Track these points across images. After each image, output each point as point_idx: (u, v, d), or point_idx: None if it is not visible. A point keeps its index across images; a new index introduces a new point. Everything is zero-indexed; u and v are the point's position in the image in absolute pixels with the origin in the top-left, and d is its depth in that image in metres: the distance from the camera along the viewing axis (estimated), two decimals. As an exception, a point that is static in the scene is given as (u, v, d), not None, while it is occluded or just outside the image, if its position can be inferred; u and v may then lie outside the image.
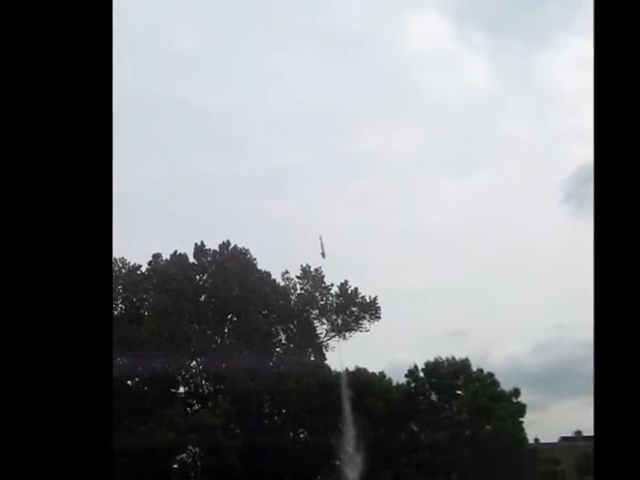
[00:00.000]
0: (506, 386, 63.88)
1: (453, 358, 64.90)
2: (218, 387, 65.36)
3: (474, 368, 64.68)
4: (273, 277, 69.06)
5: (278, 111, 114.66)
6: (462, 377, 64.39)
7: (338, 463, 61.90)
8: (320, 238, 61.02)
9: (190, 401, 65.78)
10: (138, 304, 67.17)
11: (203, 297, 67.41)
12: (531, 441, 66.39)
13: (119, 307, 66.20)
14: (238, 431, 60.78)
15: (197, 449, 61.72)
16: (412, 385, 65.22)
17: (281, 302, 67.80)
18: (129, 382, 63.13)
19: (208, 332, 65.89)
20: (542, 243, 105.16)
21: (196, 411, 62.97)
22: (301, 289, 69.63)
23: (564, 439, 79.16)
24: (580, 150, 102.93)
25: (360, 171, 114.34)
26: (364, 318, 68.75)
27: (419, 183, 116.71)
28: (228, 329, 67.26)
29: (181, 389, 66.49)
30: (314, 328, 69.29)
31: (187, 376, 66.34)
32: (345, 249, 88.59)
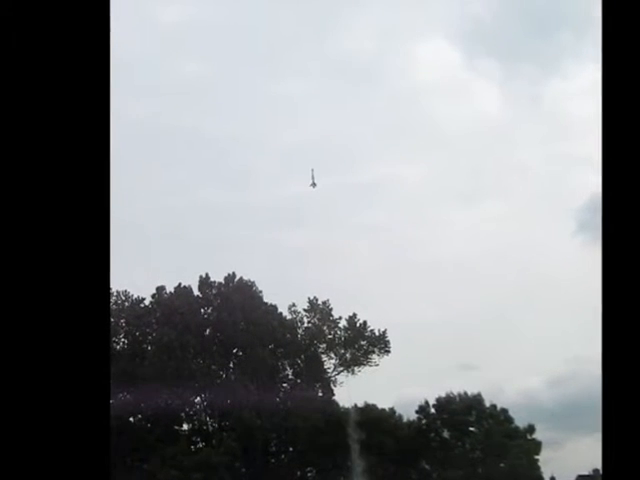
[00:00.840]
0: (520, 422, 63.37)
1: (465, 393, 64.48)
2: (223, 424, 64.96)
3: (487, 403, 64.24)
4: (280, 310, 68.96)
5: (286, 140, 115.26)
6: (475, 413, 63.90)
7: (347, 503, 61.29)
8: (312, 170, 63.07)
9: (194, 439, 65.37)
10: (141, 338, 67.03)
11: (208, 331, 67.21)
12: (547, 480, 65.62)
13: (121, 341, 66.07)
14: (244, 470, 60.28)
15: (201, 488, 61.15)
16: (423, 421, 64.73)
17: (288, 336, 67.56)
18: (131, 419, 62.78)
19: (213, 367, 65.71)
20: (556, 273, 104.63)
21: (200, 449, 62.54)
22: (308, 322, 69.37)
23: (581, 477, 78.09)
24: (593, 178, 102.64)
25: (369, 201, 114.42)
26: (373, 352, 68.41)
27: (430, 213, 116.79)
28: (233, 364, 67.01)
29: (185, 426, 66.10)
30: (322, 363, 68.95)
31: (191, 412, 66.00)
32: (353, 281, 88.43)
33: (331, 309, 69.16)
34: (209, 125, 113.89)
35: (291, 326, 68.62)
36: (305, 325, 69.32)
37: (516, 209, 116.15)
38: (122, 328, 65.74)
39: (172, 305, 65.93)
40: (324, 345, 68.94)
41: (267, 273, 79.39)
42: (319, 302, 69.13)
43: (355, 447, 59.89)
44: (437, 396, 64.74)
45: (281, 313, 68.93)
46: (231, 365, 67.09)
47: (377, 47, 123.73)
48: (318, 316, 69.17)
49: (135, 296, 67.59)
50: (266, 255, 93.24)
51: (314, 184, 62.96)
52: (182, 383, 61.77)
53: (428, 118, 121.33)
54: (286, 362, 67.96)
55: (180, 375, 61.99)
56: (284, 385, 67.27)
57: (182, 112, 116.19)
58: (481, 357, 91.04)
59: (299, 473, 64.79)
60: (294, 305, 69.37)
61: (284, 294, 70.46)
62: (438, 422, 64.17)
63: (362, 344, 68.50)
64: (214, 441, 62.89)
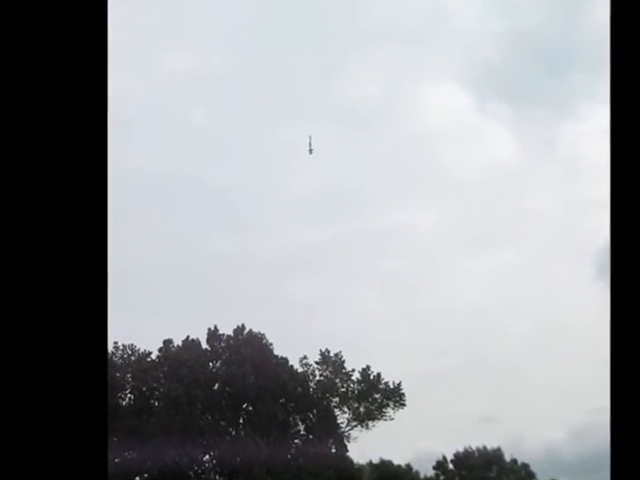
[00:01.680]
0: (542, 477, 62.40)
1: (484, 447, 63.75)
2: (233, 482, 64.30)
3: (507, 458, 63.45)
4: (291, 363, 68.77)
5: (296, 187, 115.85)
6: (495, 468, 63.07)
7: None
8: (310, 137, 65.81)
9: (203, 498, 64.70)
10: (148, 393, 66.78)
11: (217, 385, 67.00)
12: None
13: (128, 397, 65.93)
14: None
15: None
16: (441, 478, 63.94)
17: (299, 390, 67.20)
18: (137, 478, 62.27)
19: (222, 423, 65.27)
20: (576, 320, 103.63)
21: (210, 509, 61.82)
22: (320, 375, 69.12)
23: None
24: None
25: (380, 249, 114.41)
26: (388, 405, 68.02)
27: (444, 260, 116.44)
28: (243, 419, 66.58)
29: (194, 485, 65.45)
30: (335, 417, 68.44)
31: (199, 471, 65.34)
32: (366, 331, 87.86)
33: (343, 361, 68.94)
34: (215, 174, 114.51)
35: (302, 379, 68.31)
36: (317, 378, 69.09)
37: (531, 255, 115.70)
38: (128, 383, 65.61)
39: (180, 359, 65.81)
40: (337, 399, 68.56)
41: (277, 325, 79.12)
42: (331, 354, 68.96)
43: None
44: (455, 451, 64.13)
45: (292, 366, 68.73)
46: (241, 420, 66.63)
47: (385, 91, 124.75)
48: (330, 369, 68.93)
49: (142, 350, 67.66)
50: (276, 306, 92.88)
51: (311, 150, 65.77)
52: (190, 440, 61.30)
53: (439, 163, 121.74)
54: (297, 417, 67.46)
55: (188, 432, 61.52)
56: (296, 441, 66.65)
57: (189, 161, 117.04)
58: (499, 408, 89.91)
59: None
60: (305, 357, 69.33)
61: (295, 346, 70.24)
62: (457, 478, 63.29)
63: (376, 397, 68.14)
64: (224, 501, 62.21)
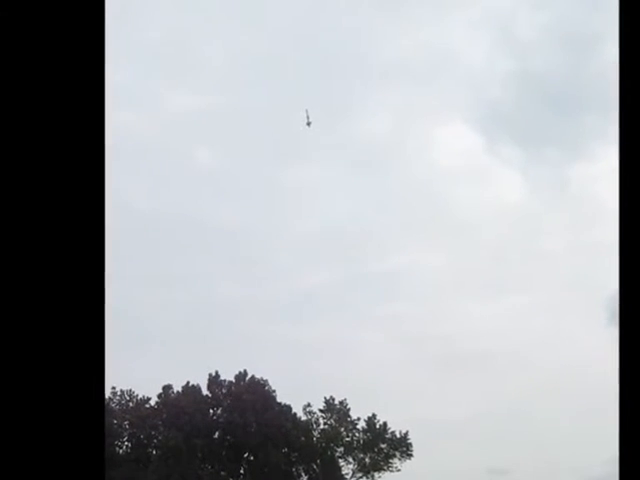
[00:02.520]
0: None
1: (495, 501, 62.75)
2: (233, 536, 63.56)
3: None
4: (294, 410, 68.36)
5: (299, 229, 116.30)
6: (506, 523, 61.97)
7: None
8: (306, 111, 67.80)
9: None
10: (146, 441, 66.24)
11: (217, 433, 66.52)
12: None
13: (125, 445, 65.44)
14: None
15: None
16: (450, 533, 62.84)
17: (303, 439, 66.70)
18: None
19: (222, 473, 64.72)
20: (589, 367, 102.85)
21: None
22: (324, 424, 68.63)
23: None
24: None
25: (388, 292, 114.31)
26: (394, 456, 67.47)
27: (451, 304, 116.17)
28: (244, 469, 66.00)
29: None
30: (339, 468, 67.83)
31: (198, 524, 64.63)
32: (372, 377, 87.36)
33: (349, 409, 68.55)
34: (218, 215, 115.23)
35: (306, 428, 67.83)
36: (321, 427, 68.63)
37: (542, 299, 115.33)
38: (125, 430, 65.18)
39: (179, 405, 65.45)
40: (341, 448, 68.04)
41: (280, 371, 78.73)
42: (336, 402, 68.58)
43: None
44: (464, 504, 63.03)
45: (295, 414, 68.32)
46: (242, 471, 66.07)
47: (393, 132, 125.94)
48: (335, 417, 68.53)
49: (140, 396, 67.38)
50: (279, 351, 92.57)
51: (309, 123, 67.44)
52: (189, 491, 60.73)
53: (448, 205, 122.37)
54: (301, 467, 66.94)
55: (187, 482, 61.04)
56: (299, 492, 66.10)
57: (192, 201, 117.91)
58: (510, 459, 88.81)
59: None
60: (309, 405, 68.97)
61: (298, 393, 69.91)
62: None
63: (382, 447, 67.64)
64: None
